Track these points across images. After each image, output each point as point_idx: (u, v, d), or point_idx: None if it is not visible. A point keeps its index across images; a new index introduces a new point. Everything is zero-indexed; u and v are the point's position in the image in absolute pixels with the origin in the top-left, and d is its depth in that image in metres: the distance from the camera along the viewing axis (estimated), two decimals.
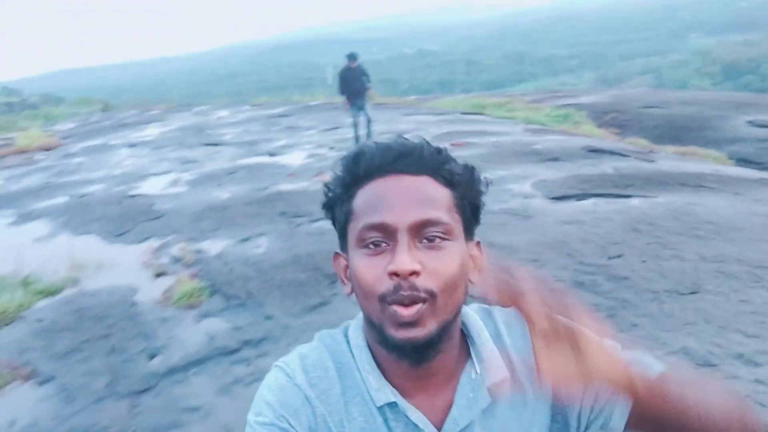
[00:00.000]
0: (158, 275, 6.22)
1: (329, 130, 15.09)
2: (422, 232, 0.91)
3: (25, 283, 6.35)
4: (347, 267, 1.00)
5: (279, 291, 5.39)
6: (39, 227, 8.82)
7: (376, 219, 0.92)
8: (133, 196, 9.95)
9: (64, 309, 5.65)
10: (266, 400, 0.97)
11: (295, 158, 11.81)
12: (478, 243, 1.02)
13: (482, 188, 1.01)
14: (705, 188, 7.70)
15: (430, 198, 0.93)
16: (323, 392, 0.99)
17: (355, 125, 12.36)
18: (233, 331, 4.79)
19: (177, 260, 6.57)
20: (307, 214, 7.52)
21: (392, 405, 0.98)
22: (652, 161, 9.75)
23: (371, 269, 0.91)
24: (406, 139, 1.00)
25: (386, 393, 0.98)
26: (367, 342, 1.02)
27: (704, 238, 5.72)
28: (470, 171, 1.00)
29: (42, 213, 9.61)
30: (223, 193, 9.27)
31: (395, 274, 0.88)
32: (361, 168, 0.96)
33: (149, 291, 5.84)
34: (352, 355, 1.02)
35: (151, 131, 18.68)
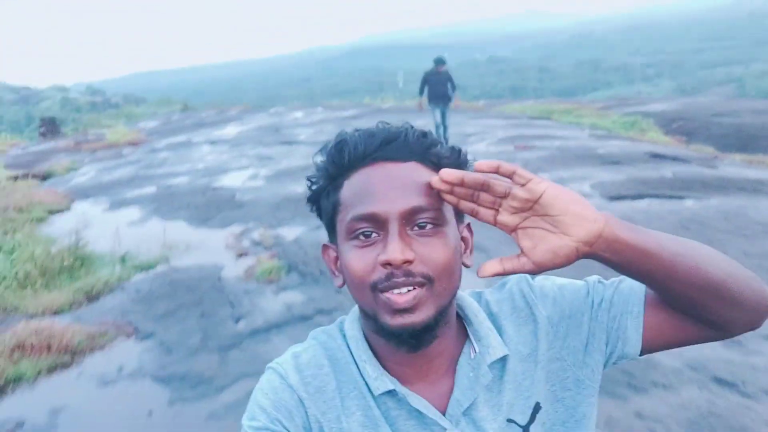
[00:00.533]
0: (240, 255, 6.90)
1: None
2: (413, 219, 0.90)
3: (123, 260, 7.13)
4: (337, 259, 1.00)
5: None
6: (132, 213, 9.70)
7: (365, 210, 0.91)
8: (215, 188, 10.76)
9: (158, 281, 6.37)
10: (260, 404, 0.97)
11: None
12: (469, 225, 1.02)
13: (469, 169, 0.98)
14: (763, 193, 7.89)
15: (419, 184, 0.91)
16: (318, 390, 0.99)
17: (437, 127, 12.02)
18: (308, 302, 5.39)
19: (257, 243, 7.25)
20: None
21: (392, 393, 0.98)
22: (714, 167, 9.91)
23: (362, 260, 0.91)
24: (388, 124, 0.97)
25: (384, 381, 0.97)
26: (364, 333, 1.02)
27: (751, 237, 6.01)
28: (457, 153, 0.98)
29: (133, 201, 10.50)
30: (298, 187, 9.94)
31: (388, 263, 0.88)
32: (345, 157, 0.94)
33: (233, 268, 6.51)
34: (348, 348, 1.02)
35: (230, 130, 19.70)
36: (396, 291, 0.89)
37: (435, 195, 0.91)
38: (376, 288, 0.90)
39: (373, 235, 0.91)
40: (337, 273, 1.01)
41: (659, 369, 3.82)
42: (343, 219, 0.94)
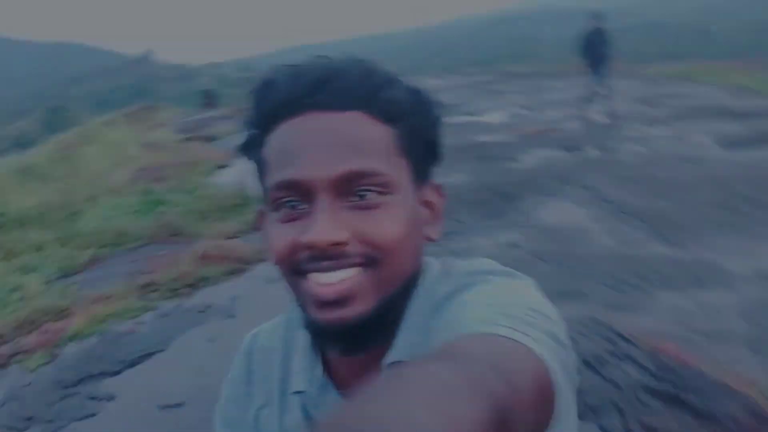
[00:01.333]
0: None
1: (533, 94, 16.13)
2: (350, 187, 0.68)
3: None
4: None
5: (468, 205, 6.78)
6: None
7: (285, 175, 0.69)
8: None
9: None
10: (228, 377, 0.92)
11: (495, 117, 13.10)
12: (438, 186, 0.80)
13: (437, 117, 0.77)
14: None
15: (359, 142, 0.69)
16: (263, 378, 0.87)
17: (593, 96, 11.23)
18: None
19: None
20: (497, 157, 8.83)
21: (306, 394, 0.81)
22: None
23: (283, 238, 0.70)
24: (327, 59, 0.75)
25: (301, 380, 0.81)
26: None
27: None
28: (418, 96, 0.75)
29: None
30: None
31: (311, 247, 0.67)
32: (269, 104, 0.73)
33: None
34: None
35: None
36: (324, 276, 0.69)
37: (381, 155, 0.70)
38: (299, 272, 0.70)
39: (300, 206, 0.70)
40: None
41: (727, 273, 4.41)
42: (267, 184, 0.73)
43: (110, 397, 3.98)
